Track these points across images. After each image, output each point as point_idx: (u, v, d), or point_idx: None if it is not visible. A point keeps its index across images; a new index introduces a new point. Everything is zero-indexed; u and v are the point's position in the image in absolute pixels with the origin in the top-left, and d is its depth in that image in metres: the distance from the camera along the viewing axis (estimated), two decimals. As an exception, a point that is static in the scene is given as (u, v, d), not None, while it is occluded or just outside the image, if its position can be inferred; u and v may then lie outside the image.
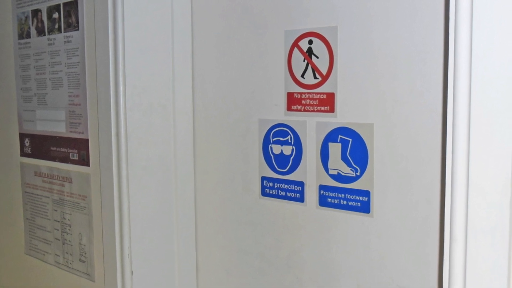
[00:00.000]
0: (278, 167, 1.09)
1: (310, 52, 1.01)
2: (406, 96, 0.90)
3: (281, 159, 1.08)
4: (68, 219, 1.22)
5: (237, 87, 1.13)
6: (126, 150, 1.07)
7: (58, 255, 1.27)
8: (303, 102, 1.03)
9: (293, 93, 1.05)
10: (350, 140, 0.98)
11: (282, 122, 1.07)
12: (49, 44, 1.21)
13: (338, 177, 1.00)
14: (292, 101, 1.05)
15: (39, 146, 1.28)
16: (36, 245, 1.34)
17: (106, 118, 1.08)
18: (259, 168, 1.12)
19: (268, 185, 1.11)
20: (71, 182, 1.20)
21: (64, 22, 1.16)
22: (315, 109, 1.02)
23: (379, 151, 0.95)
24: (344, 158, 0.99)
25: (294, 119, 1.05)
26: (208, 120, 1.19)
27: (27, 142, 1.32)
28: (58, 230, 1.26)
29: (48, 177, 1.27)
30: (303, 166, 1.05)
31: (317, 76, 1.01)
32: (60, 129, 1.21)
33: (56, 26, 1.18)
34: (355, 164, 0.98)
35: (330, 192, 1.01)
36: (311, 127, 1.03)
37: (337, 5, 0.97)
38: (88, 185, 1.16)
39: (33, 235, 1.34)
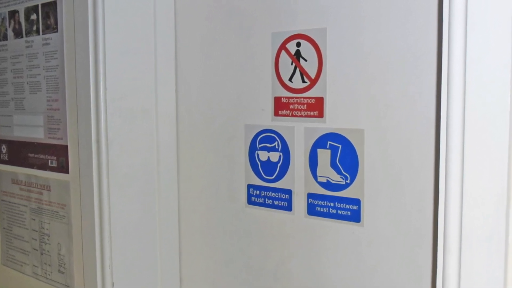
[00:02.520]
0: (265, 175, 1.06)
1: (298, 55, 0.99)
2: (398, 100, 0.88)
3: (268, 166, 1.06)
4: (47, 229, 1.20)
5: (223, 91, 1.11)
6: (107, 156, 1.05)
7: (36, 266, 1.24)
8: (291, 107, 1.01)
9: (280, 97, 1.02)
10: (340, 146, 0.95)
11: (269, 128, 1.05)
12: (27, 47, 1.18)
13: (327, 185, 0.98)
14: (280, 106, 1.03)
15: (16, 152, 1.26)
16: (13, 255, 1.31)
17: (86, 124, 1.06)
18: (245, 176, 1.09)
19: (255, 193, 1.08)
20: (50, 190, 1.17)
21: (42, 24, 1.13)
22: (304, 114, 1.00)
23: (370, 158, 0.92)
24: (333, 165, 0.96)
25: (282, 125, 1.03)
26: (192, 125, 1.17)
27: (4, 149, 1.29)
28: (36, 240, 1.23)
29: (26, 185, 1.24)
30: (291, 173, 1.02)
31: (306, 80, 0.99)
32: (39, 135, 1.18)
33: (34, 28, 1.15)
34: (345, 171, 0.95)
35: (319, 201, 0.99)
36: (299, 133, 1.01)
37: (326, 6, 0.95)
38: (67, 193, 1.13)
39: (10, 245, 1.31)
